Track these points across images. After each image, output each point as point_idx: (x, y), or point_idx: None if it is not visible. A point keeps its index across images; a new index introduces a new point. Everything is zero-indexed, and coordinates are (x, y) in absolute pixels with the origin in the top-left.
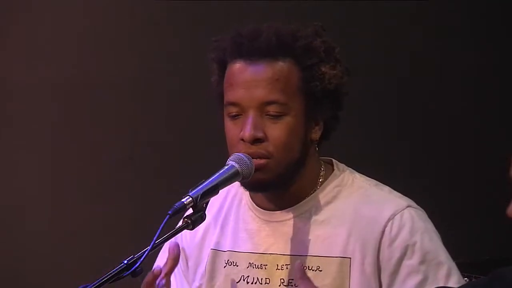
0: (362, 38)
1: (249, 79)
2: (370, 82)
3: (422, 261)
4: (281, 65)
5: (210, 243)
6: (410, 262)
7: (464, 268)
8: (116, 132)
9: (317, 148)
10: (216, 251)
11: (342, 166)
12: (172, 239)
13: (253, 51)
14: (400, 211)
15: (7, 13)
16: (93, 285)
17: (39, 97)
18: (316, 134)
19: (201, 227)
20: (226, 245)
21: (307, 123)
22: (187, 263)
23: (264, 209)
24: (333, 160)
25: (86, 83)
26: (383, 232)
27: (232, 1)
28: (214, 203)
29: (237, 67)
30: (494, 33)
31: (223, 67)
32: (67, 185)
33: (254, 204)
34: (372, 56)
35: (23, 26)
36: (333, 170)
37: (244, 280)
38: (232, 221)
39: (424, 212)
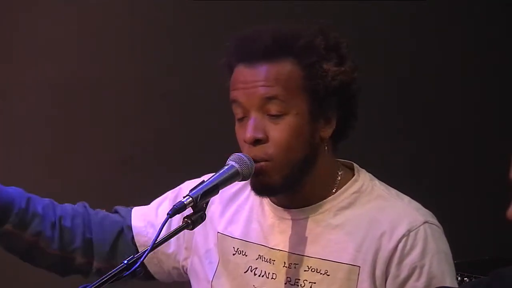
0: (361, 38)
1: (249, 81)
2: (369, 82)
3: (427, 286)
4: (281, 66)
5: (217, 226)
6: (415, 284)
7: (464, 268)
8: (116, 132)
9: (326, 148)
10: (224, 236)
11: (363, 171)
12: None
13: (251, 54)
14: (416, 228)
15: (7, 13)
16: (93, 285)
17: (39, 97)
18: (326, 132)
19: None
20: (236, 232)
21: (313, 122)
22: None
23: (279, 206)
24: (354, 164)
25: (86, 83)
26: (396, 248)
27: (234, 0)
28: (233, 186)
29: (239, 70)
30: (495, 33)
31: (230, 71)
32: (67, 185)
33: (269, 200)
34: (372, 56)
35: (23, 26)
36: (353, 174)
37: (251, 271)
38: (247, 210)
39: (440, 226)
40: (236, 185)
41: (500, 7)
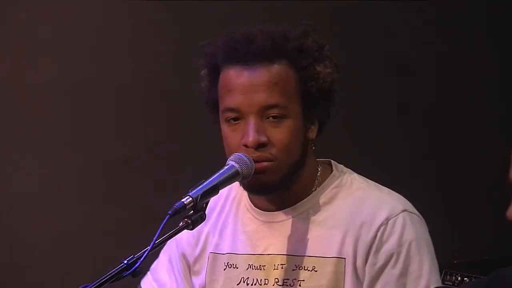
0: (361, 38)
1: (247, 84)
2: (369, 81)
3: (403, 273)
4: (278, 68)
5: (210, 247)
6: (392, 271)
7: (464, 268)
8: (116, 132)
9: (313, 147)
10: (215, 254)
11: (341, 167)
12: (173, 242)
13: (249, 56)
14: (394, 216)
15: (7, 13)
16: (93, 285)
17: (39, 97)
18: (312, 133)
19: (203, 232)
20: (225, 248)
21: (305, 124)
22: (188, 267)
23: (262, 210)
24: (332, 161)
25: (86, 83)
26: (375, 236)
27: (233, 0)
28: (215, 206)
29: (233, 72)
30: (495, 33)
31: (214, 72)
32: (67, 185)
33: (252, 205)
34: (372, 56)
35: (23, 26)
36: (331, 170)
37: (244, 282)
38: (231, 224)
39: (421, 217)
40: (216, 205)
41: (500, 7)
